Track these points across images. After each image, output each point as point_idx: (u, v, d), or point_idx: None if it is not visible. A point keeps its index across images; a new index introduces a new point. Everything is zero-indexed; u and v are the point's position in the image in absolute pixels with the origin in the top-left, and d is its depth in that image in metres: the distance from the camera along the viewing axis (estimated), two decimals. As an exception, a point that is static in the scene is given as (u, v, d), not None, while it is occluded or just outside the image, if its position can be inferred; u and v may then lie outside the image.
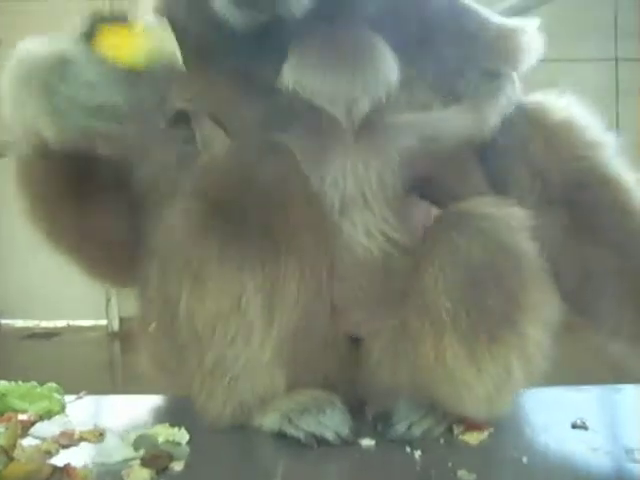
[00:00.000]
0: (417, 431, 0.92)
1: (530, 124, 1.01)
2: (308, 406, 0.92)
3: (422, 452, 0.88)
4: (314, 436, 0.90)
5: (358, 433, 0.91)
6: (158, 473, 0.83)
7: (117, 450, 0.87)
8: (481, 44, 1.00)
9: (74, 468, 0.82)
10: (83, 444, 0.91)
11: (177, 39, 0.93)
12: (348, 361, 0.96)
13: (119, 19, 0.86)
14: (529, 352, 0.91)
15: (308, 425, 0.90)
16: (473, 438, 0.92)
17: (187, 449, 0.89)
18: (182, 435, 0.91)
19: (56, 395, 1.01)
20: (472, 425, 0.93)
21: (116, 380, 3.03)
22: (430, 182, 0.94)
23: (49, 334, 3.76)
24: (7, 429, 0.89)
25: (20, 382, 1.03)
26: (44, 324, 3.85)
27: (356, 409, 0.94)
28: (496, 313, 0.89)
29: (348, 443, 0.90)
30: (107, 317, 3.73)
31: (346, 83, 0.92)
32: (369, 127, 0.93)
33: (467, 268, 0.89)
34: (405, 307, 0.92)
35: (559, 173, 0.99)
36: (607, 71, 3.52)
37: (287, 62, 0.92)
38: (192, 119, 0.96)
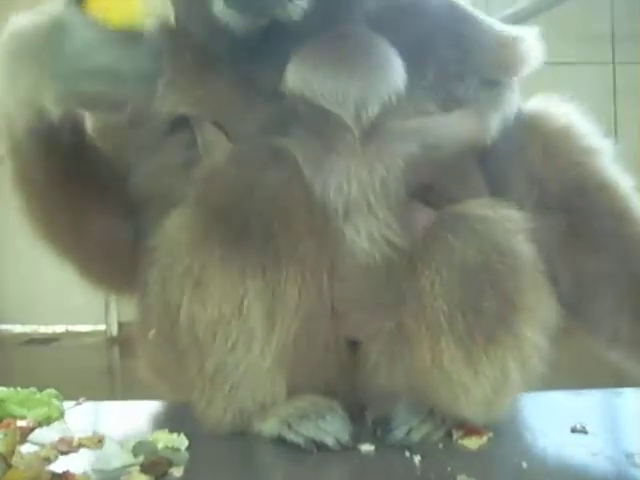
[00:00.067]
0: (416, 436, 0.92)
1: (528, 131, 1.01)
2: (308, 412, 0.91)
3: (421, 457, 0.88)
4: (314, 442, 0.89)
5: (357, 438, 0.91)
6: (157, 479, 0.83)
7: (116, 456, 0.87)
8: (481, 50, 1.00)
9: (73, 475, 0.82)
10: (82, 450, 0.91)
11: (179, 44, 0.93)
12: (347, 365, 0.96)
13: None
14: (526, 354, 0.91)
15: (308, 431, 0.90)
16: (472, 443, 0.92)
17: (186, 455, 0.89)
18: (181, 441, 0.91)
19: (55, 401, 1.01)
20: (471, 430, 0.93)
21: (115, 385, 3.03)
22: (432, 188, 0.94)
23: (48, 339, 3.76)
24: (6, 435, 0.89)
25: (19, 388, 1.02)
26: (43, 329, 3.85)
27: (356, 414, 0.94)
28: (492, 315, 0.89)
29: (348, 448, 0.90)
30: (106, 322, 3.73)
31: (355, 85, 0.92)
32: (372, 132, 0.93)
33: (463, 270, 0.89)
34: (402, 310, 0.92)
35: (556, 180, 0.99)
36: (605, 74, 3.53)
37: (290, 65, 0.92)
38: (193, 124, 0.96)
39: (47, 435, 0.93)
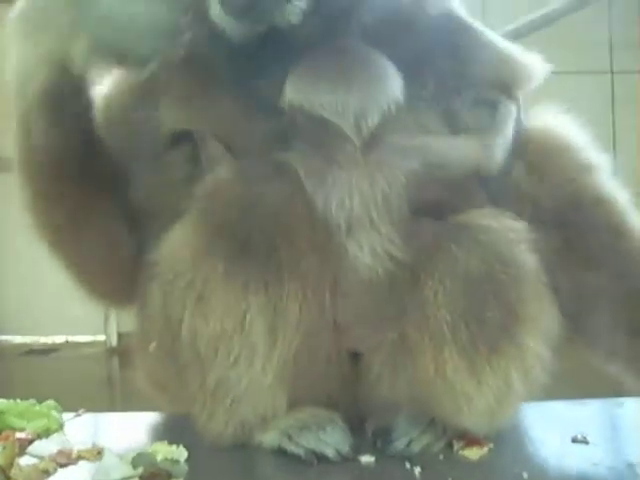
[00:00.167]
0: (417, 447, 0.91)
1: (524, 148, 1.00)
2: (308, 423, 0.91)
3: (422, 468, 0.87)
4: (314, 453, 0.89)
5: (358, 449, 0.91)
6: (157, 491, 0.83)
7: (115, 469, 0.87)
8: (480, 64, 1.00)
9: (72, 487, 0.82)
10: (81, 463, 0.91)
11: (181, 58, 0.93)
12: (349, 377, 0.96)
13: None
14: (528, 364, 0.91)
15: (308, 442, 0.90)
16: (473, 453, 0.91)
17: (186, 467, 0.88)
18: (181, 453, 0.90)
19: (54, 413, 1.01)
20: (472, 440, 0.92)
21: (115, 396, 3.02)
22: (435, 203, 0.94)
23: (47, 350, 3.75)
24: (4, 448, 0.89)
25: (18, 400, 1.02)
26: (42, 340, 3.84)
27: (356, 425, 0.94)
28: (495, 325, 0.89)
29: (348, 460, 0.90)
30: (105, 333, 3.72)
31: (354, 95, 0.92)
32: (373, 144, 0.93)
33: (466, 280, 0.89)
34: (404, 320, 0.91)
35: (551, 196, 0.98)
36: (603, 83, 3.53)
37: (288, 79, 0.92)
38: (196, 139, 0.96)
39: (46, 447, 0.93)
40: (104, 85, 0.99)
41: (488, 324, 0.88)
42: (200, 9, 0.94)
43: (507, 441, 0.95)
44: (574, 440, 0.95)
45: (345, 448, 0.90)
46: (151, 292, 0.92)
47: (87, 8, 0.84)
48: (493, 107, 1.00)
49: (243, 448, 0.92)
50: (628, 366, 1.00)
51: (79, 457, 0.91)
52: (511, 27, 2.27)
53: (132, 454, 0.89)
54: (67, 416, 1.03)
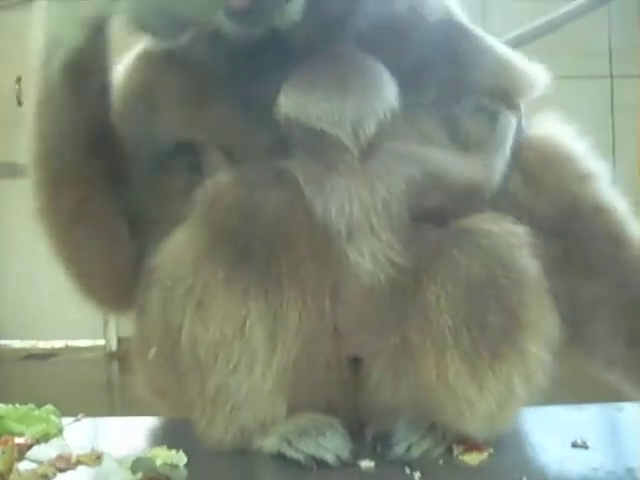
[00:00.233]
0: (416, 452, 0.91)
1: (524, 157, 1.00)
2: (307, 428, 0.91)
3: (422, 473, 0.87)
4: (313, 458, 0.89)
5: (357, 454, 0.91)
6: (156, 496, 0.83)
7: (115, 473, 0.87)
8: (480, 70, 1.00)
9: (71, 492, 0.82)
10: (80, 467, 0.90)
11: (180, 68, 0.94)
12: (349, 383, 0.95)
13: None
14: (530, 369, 0.91)
15: (308, 447, 0.90)
16: (473, 459, 0.91)
17: (185, 472, 0.88)
18: (180, 458, 0.90)
19: (53, 418, 1.00)
20: (472, 445, 0.92)
21: (114, 401, 3.02)
22: (435, 210, 0.94)
23: (47, 354, 3.75)
24: (3, 453, 0.89)
25: (17, 404, 1.02)
26: (42, 345, 3.84)
27: (356, 430, 0.94)
28: (497, 329, 0.89)
29: (347, 465, 0.89)
30: (105, 337, 3.72)
31: (350, 104, 0.92)
32: (372, 151, 0.93)
33: (468, 285, 0.89)
34: (406, 325, 0.91)
35: (550, 205, 0.98)
36: (602, 88, 3.54)
37: (282, 90, 0.92)
38: (196, 147, 0.96)
39: (45, 452, 0.93)
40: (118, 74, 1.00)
41: (490, 329, 0.88)
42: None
43: (507, 446, 0.94)
44: (574, 445, 0.95)
45: (345, 453, 0.90)
46: (151, 298, 0.92)
47: None
48: (493, 118, 1.00)
49: (242, 453, 0.92)
50: (627, 375, 1.00)
51: (78, 462, 0.91)
52: (513, 34, 2.27)
53: (131, 459, 0.88)
54: (66, 421, 1.03)
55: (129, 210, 0.98)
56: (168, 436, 1.00)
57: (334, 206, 0.90)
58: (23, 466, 0.90)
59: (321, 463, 0.89)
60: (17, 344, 3.84)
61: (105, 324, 3.64)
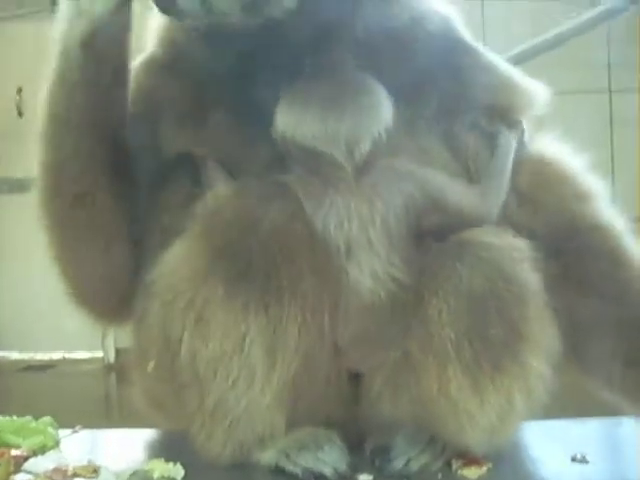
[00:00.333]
0: (415, 466, 0.91)
1: (521, 177, 1.01)
2: (306, 443, 0.91)
3: (420, 487, 0.87)
4: (312, 472, 0.89)
5: (356, 468, 0.90)
6: (153, 510, 0.82)
7: (111, 486, 0.86)
8: (480, 87, 1.01)
9: (67, 505, 0.81)
10: (77, 480, 0.90)
11: (181, 81, 0.94)
12: (348, 397, 0.95)
13: None
14: (531, 383, 0.91)
15: (306, 461, 0.89)
16: (472, 473, 0.91)
17: (182, 485, 0.88)
18: (177, 471, 0.90)
19: (50, 430, 1.00)
20: (471, 460, 0.92)
21: (112, 412, 3.01)
22: (435, 227, 0.94)
23: (45, 366, 3.74)
24: (0, 465, 0.88)
25: (15, 416, 1.02)
26: (40, 356, 3.83)
27: (355, 444, 0.93)
28: (499, 343, 0.88)
29: (346, 479, 0.89)
30: (103, 349, 3.71)
31: (345, 123, 0.92)
32: (370, 168, 0.93)
33: (470, 298, 0.88)
34: (408, 339, 0.91)
35: (547, 225, 0.98)
36: (601, 103, 3.55)
37: (278, 109, 0.93)
38: (196, 161, 0.96)
39: (42, 464, 0.92)
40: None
41: (492, 342, 0.88)
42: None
43: (506, 460, 0.94)
44: (573, 459, 0.94)
45: (343, 467, 0.89)
46: (150, 311, 0.92)
47: None
48: (492, 138, 1.00)
49: (241, 467, 0.92)
50: (624, 396, 0.99)
51: (75, 474, 0.90)
52: (514, 52, 2.28)
53: (129, 472, 0.88)
54: (63, 433, 1.02)
55: (128, 218, 0.98)
56: (166, 449, 1.00)
57: (333, 222, 0.91)
58: (19, 478, 0.89)
59: (319, 477, 0.89)
60: (15, 355, 3.83)
61: (103, 336, 3.63)
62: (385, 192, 0.92)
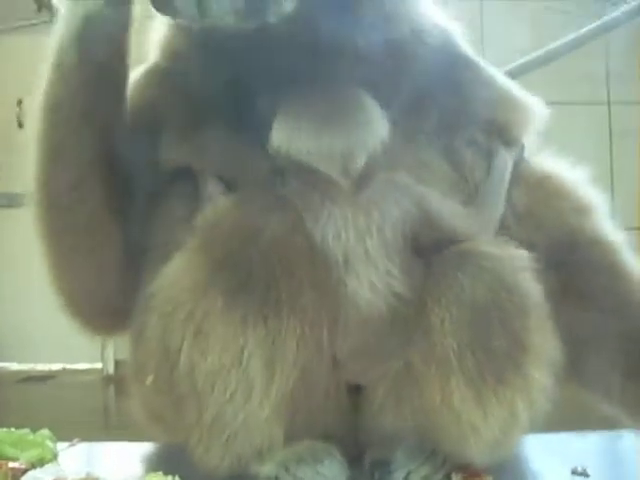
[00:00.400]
0: (415, 479, 0.90)
1: (519, 191, 1.01)
2: (305, 456, 0.90)
3: (420, 501, 0.86)
4: (311, 486, 0.88)
5: (355, 482, 0.90)
6: (151, 523, 0.82)
7: (110, 499, 0.86)
8: (480, 102, 1.01)
9: (65, 518, 0.81)
10: (75, 493, 0.90)
11: (180, 94, 0.94)
12: (347, 410, 0.95)
13: None
14: (534, 395, 0.90)
15: (305, 475, 0.89)
16: (472, 486, 0.90)
17: (181, 498, 0.87)
18: (176, 484, 0.89)
19: (48, 442, 1.00)
20: (471, 473, 0.91)
21: (110, 424, 3.00)
22: (433, 240, 0.94)
23: (44, 377, 3.73)
24: (-2, 478, 0.88)
25: (13, 428, 1.01)
26: (39, 367, 3.82)
27: (354, 457, 0.93)
28: (501, 354, 0.88)
29: (345, 492, 0.89)
30: (102, 360, 3.71)
31: (340, 140, 0.93)
32: (368, 181, 0.93)
33: (472, 308, 0.88)
34: (410, 349, 0.91)
35: (547, 239, 0.98)
36: (600, 115, 3.56)
37: (274, 125, 0.93)
38: (195, 174, 0.96)
39: (40, 477, 0.92)
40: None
41: (494, 353, 0.88)
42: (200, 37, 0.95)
43: (507, 473, 0.94)
44: (574, 472, 0.94)
45: (342, 481, 0.89)
46: (149, 324, 0.91)
47: None
48: (489, 156, 1.00)
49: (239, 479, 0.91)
50: (624, 409, 0.99)
51: (73, 488, 0.90)
52: (513, 65, 2.28)
53: (127, 485, 0.88)
54: (61, 445, 1.02)
55: (124, 228, 0.97)
56: (164, 462, 1.00)
57: (330, 233, 0.91)
58: (17, 491, 0.89)
59: (318, 490, 0.88)
60: (15, 367, 3.83)
61: (103, 348, 3.63)
62: (382, 204, 0.92)
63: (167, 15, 0.90)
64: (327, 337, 0.90)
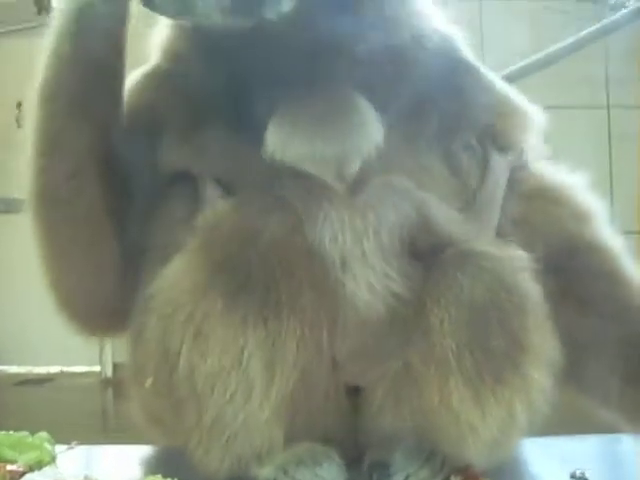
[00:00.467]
0: (414, 482, 0.90)
1: (519, 197, 1.01)
2: (304, 458, 0.90)
3: (419, 504, 0.86)
4: (310, 488, 0.88)
5: (354, 485, 0.90)
6: (150, 526, 0.82)
7: (108, 502, 0.86)
8: (479, 107, 1.01)
9: (63, 521, 0.80)
10: (73, 496, 0.90)
11: (182, 96, 0.94)
12: (347, 412, 0.95)
13: None
14: (532, 396, 0.90)
15: (304, 477, 0.89)
16: (471, 489, 0.90)
17: (180, 501, 0.87)
18: (175, 487, 0.89)
19: (47, 445, 0.99)
20: (470, 476, 0.91)
21: (109, 427, 2.99)
22: (425, 249, 0.94)
23: (43, 380, 3.73)
24: (-4, 480, 0.88)
25: (11, 431, 1.01)
26: (38, 370, 3.82)
27: (353, 460, 0.93)
28: (500, 354, 0.88)
29: (344, 495, 0.89)
30: (100, 363, 3.70)
31: (334, 147, 0.93)
32: (365, 185, 0.93)
33: (471, 308, 0.88)
34: (409, 350, 0.91)
35: (545, 246, 0.98)
36: (599, 119, 3.56)
37: (269, 129, 0.93)
38: (194, 177, 0.97)
39: (38, 480, 0.92)
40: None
41: (493, 353, 0.88)
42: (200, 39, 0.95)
43: (505, 477, 0.94)
44: (572, 476, 0.94)
45: (341, 484, 0.89)
46: (148, 326, 0.91)
47: None
48: (485, 162, 1.00)
49: (238, 482, 0.91)
50: (622, 414, 0.99)
51: (71, 490, 0.90)
52: (513, 68, 2.29)
53: (125, 488, 0.88)
54: (60, 448, 1.02)
55: (120, 226, 0.97)
56: (163, 465, 1.00)
57: (327, 235, 0.91)
58: (15, 494, 0.89)
59: (317, 493, 0.88)
60: (13, 369, 3.82)
61: (101, 350, 3.63)
62: (379, 207, 0.92)
63: (152, 10, 0.90)
64: (326, 339, 0.90)
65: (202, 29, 0.94)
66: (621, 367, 0.96)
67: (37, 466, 0.96)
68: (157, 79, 1.02)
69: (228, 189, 0.95)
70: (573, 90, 3.35)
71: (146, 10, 0.90)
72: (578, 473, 0.94)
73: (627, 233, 1.04)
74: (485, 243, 0.93)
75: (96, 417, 3.16)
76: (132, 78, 1.02)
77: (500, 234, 0.98)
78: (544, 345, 0.91)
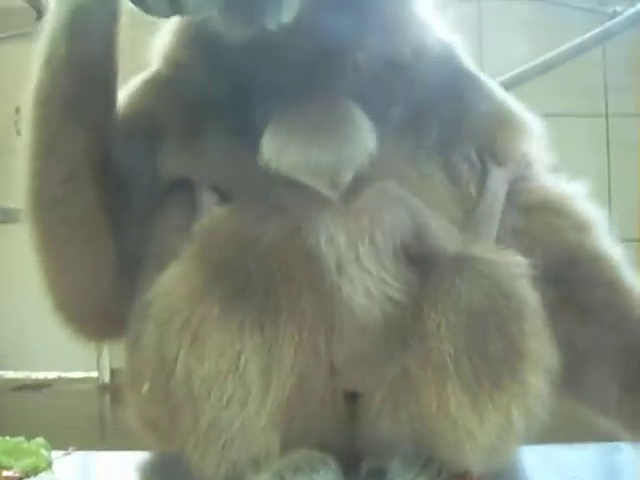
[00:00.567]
0: (411, 489, 0.90)
1: (519, 209, 1.01)
2: (301, 465, 0.90)
3: (416, 511, 0.86)
4: (306, 495, 0.88)
5: (351, 492, 0.90)
6: (146, 533, 0.81)
7: (104, 509, 0.85)
8: (479, 116, 1.01)
9: (59, 528, 0.80)
10: (69, 502, 0.89)
11: (181, 103, 0.94)
12: (344, 418, 0.94)
13: None
14: (530, 401, 0.90)
15: (301, 484, 0.89)
16: (469, 497, 0.90)
17: (176, 508, 0.87)
18: (171, 493, 0.89)
19: (43, 451, 0.99)
20: (468, 483, 0.91)
21: (106, 433, 2.99)
22: (419, 258, 0.94)
23: (40, 385, 3.72)
24: (-9, 486, 0.87)
25: (7, 437, 1.01)
26: (35, 375, 3.81)
27: (350, 466, 0.93)
28: (498, 359, 0.88)
29: (341, 502, 0.88)
30: (98, 369, 3.70)
31: (328, 156, 0.93)
32: (362, 191, 0.93)
33: (469, 313, 0.88)
34: (406, 355, 0.91)
35: (546, 256, 0.98)
36: (597, 127, 3.57)
37: (264, 138, 0.93)
38: (192, 184, 0.96)
39: (34, 486, 0.92)
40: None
41: (491, 359, 0.88)
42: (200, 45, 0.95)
43: (503, 484, 0.93)
44: (571, 484, 0.94)
45: (338, 491, 0.89)
46: (145, 332, 0.91)
47: None
48: (484, 175, 1.00)
49: (235, 489, 0.91)
50: (621, 423, 0.99)
51: (67, 496, 0.90)
52: (511, 74, 2.29)
53: (121, 494, 0.87)
54: (56, 454, 1.02)
55: (117, 229, 0.97)
56: (159, 471, 0.99)
57: (323, 240, 0.91)
58: (11, 500, 0.88)
59: (314, 500, 0.88)
60: (10, 375, 3.82)
61: (98, 356, 3.62)
62: (374, 213, 0.93)
63: (147, 12, 0.90)
64: (324, 344, 0.90)
65: (203, 37, 0.94)
66: (620, 376, 0.96)
67: (33, 472, 0.96)
68: (157, 85, 1.02)
69: (226, 196, 0.95)
70: (572, 98, 3.36)
71: (148, 17, 0.90)
72: (576, 481, 0.94)
73: (626, 241, 1.04)
74: (483, 249, 0.93)
75: (93, 423, 3.15)
76: (132, 84, 1.02)
77: (499, 245, 0.98)
78: (542, 351, 0.91)
